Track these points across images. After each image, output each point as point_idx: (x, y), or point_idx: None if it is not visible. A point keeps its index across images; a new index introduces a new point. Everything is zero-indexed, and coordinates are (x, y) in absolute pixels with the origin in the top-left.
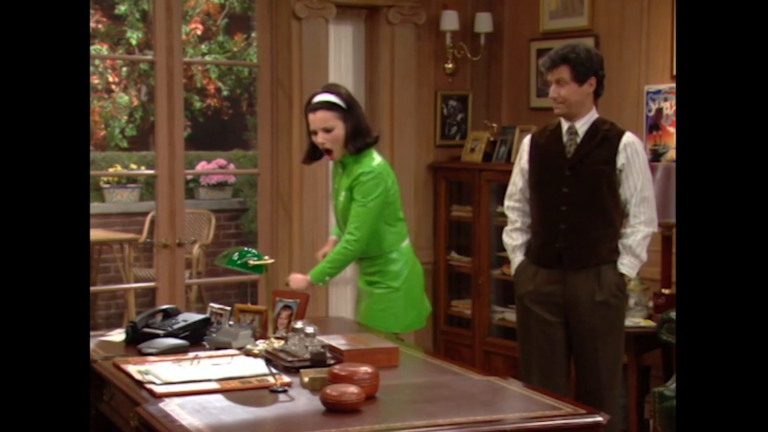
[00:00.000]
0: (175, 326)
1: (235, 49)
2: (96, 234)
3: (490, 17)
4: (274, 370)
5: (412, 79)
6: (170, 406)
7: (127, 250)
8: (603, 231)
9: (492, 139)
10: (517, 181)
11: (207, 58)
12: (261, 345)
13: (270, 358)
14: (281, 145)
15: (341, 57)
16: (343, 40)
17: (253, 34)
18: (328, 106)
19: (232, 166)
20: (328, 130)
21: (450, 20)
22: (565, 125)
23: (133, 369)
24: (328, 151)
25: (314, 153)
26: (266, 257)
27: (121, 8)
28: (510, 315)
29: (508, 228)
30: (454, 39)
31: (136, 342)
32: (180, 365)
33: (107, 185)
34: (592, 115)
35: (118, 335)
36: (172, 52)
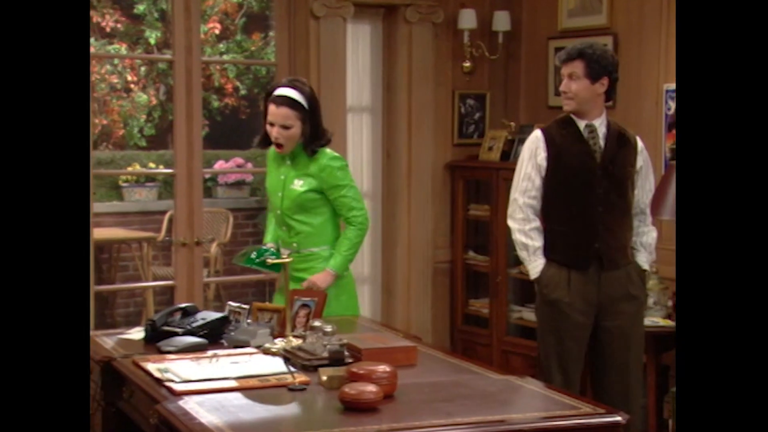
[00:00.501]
0: (194, 324)
1: (252, 49)
2: (115, 232)
3: (508, 15)
4: (292, 369)
5: (430, 78)
6: (189, 404)
7: (145, 249)
8: (629, 232)
9: (510, 137)
10: (534, 177)
11: (225, 57)
12: (279, 343)
13: (288, 356)
14: None
15: (359, 56)
16: (361, 39)
17: (271, 33)
18: (292, 104)
19: (249, 165)
20: (286, 128)
21: (468, 19)
22: (580, 123)
23: (152, 367)
24: (279, 146)
25: (267, 139)
26: (284, 256)
27: (140, 8)
28: (528, 314)
29: (525, 227)
30: (471, 37)
31: (155, 340)
32: (199, 363)
33: (126, 184)
34: (605, 116)
35: (137, 333)
36: (191, 51)
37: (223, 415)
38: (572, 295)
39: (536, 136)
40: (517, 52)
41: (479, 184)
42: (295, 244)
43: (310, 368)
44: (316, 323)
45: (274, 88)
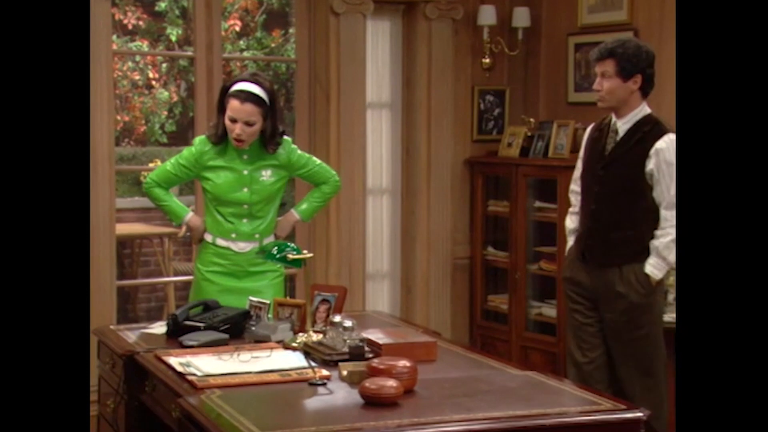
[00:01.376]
0: (216, 319)
1: (272, 45)
2: (136, 228)
3: (527, 12)
4: (313, 364)
5: (449, 74)
6: (211, 398)
7: (166, 244)
8: (626, 233)
9: (529, 134)
10: (579, 167)
11: (245, 54)
12: (300, 338)
13: (309, 351)
14: (318, 140)
15: (378, 52)
16: (381, 36)
17: (291, 30)
18: (257, 101)
19: None
20: (249, 124)
21: (487, 15)
22: (613, 120)
23: (174, 361)
24: (240, 141)
25: (226, 135)
26: (305, 251)
27: (162, 5)
28: (547, 310)
29: (569, 210)
30: (491, 34)
31: (177, 334)
32: (220, 358)
33: None
34: (637, 114)
35: (159, 328)
36: (212, 48)
37: (244, 410)
38: (572, 279)
39: (587, 129)
40: (536, 48)
41: (498, 180)
42: (257, 235)
43: (330, 363)
44: (336, 318)
45: (234, 83)
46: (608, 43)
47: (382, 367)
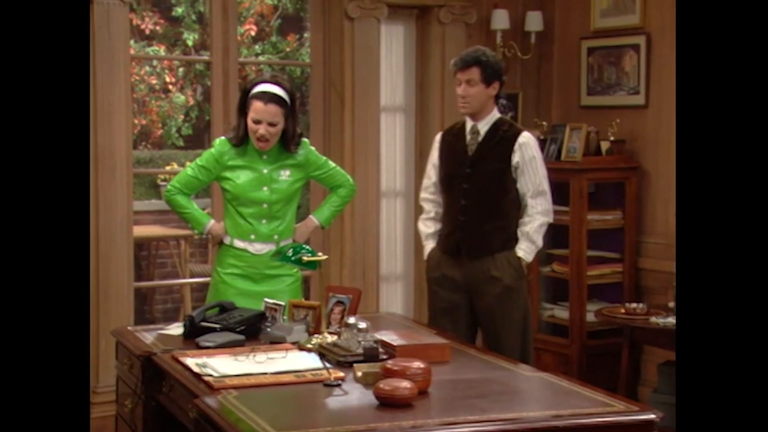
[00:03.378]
0: (232, 321)
1: (288, 50)
2: (153, 230)
3: (540, 16)
4: (327, 365)
5: None
6: (227, 398)
7: (183, 246)
8: (496, 223)
9: (542, 137)
10: (432, 175)
11: (261, 58)
12: (315, 340)
13: (323, 352)
14: (333, 144)
15: (392, 56)
16: (395, 40)
17: (306, 35)
18: (280, 102)
19: None
20: (273, 125)
21: (501, 19)
22: (468, 125)
23: (191, 362)
24: (265, 142)
25: (247, 136)
26: (320, 253)
27: (178, 10)
28: (559, 312)
29: (422, 217)
30: (504, 38)
31: (194, 335)
32: (237, 359)
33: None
34: (493, 116)
35: (176, 329)
36: (228, 52)
37: (260, 410)
38: (442, 275)
39: (436, 138)
40: (549, 52)
41: None
42: (276, 236)
43: (345, 364)
44: (351, 320)
45: (255, 85)
46: (471, 52)
47: (396, 368)
